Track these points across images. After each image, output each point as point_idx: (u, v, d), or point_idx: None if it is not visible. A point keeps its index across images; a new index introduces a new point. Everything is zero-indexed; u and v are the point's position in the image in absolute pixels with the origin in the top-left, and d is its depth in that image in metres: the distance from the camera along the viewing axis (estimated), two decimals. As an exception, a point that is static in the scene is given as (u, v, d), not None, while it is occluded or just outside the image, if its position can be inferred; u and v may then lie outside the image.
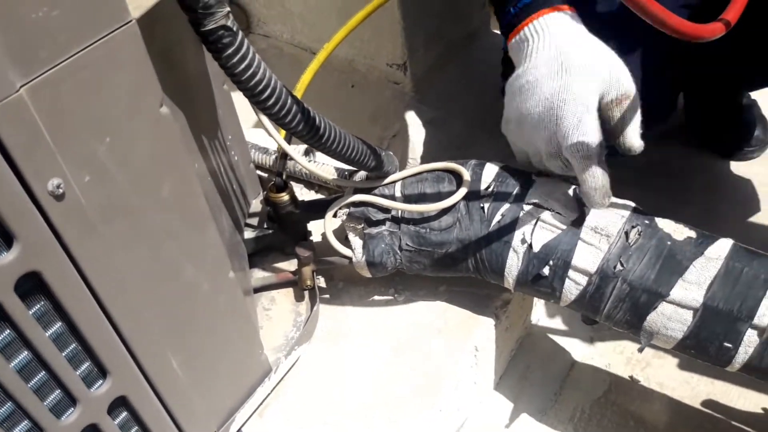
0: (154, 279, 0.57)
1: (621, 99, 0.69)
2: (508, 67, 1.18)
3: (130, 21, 0.48)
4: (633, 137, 0.69)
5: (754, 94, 1.24)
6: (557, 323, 1.00)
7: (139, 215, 0.54)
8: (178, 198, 0.57)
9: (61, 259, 0.48)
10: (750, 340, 0.69)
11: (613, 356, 0.96)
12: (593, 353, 0.97)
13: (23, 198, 0.44)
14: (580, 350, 0.97)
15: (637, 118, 0.70)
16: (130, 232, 0.53)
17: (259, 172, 1.00)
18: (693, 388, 0.91)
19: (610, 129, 0.70)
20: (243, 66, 0.59)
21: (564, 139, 0.67)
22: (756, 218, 1.11)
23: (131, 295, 0.55)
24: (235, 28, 0.58)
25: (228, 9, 0.57)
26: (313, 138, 0.69)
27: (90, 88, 0.46)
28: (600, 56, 0.70)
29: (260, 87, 0.61)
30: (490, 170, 0.80)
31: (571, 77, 0.68)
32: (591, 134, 0.67)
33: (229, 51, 0.58)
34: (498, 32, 1.24)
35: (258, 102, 0.63)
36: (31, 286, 0.48)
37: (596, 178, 0.67)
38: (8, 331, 0.47)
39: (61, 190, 0.46)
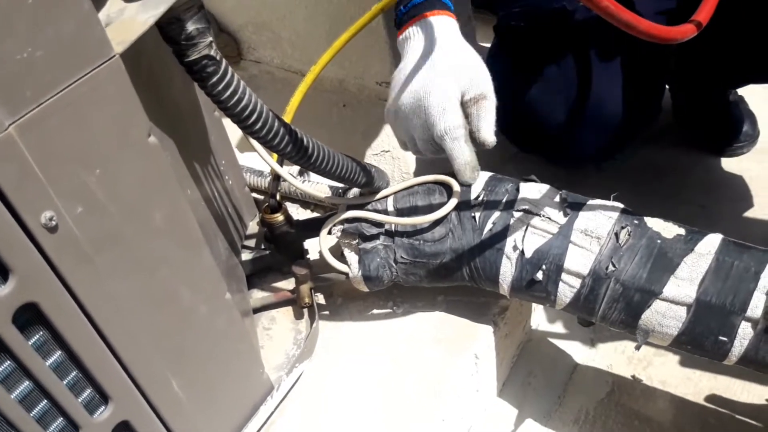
0: (150, 304, 0.58)
1: (478, 98, 0.75)
2: (490, 68, 1.20)
3: (114, 56, 0.49)
4: (487, 132, 0.74)
5: (741, 91, 1.25)
6: (557, 327, 1.01)
7: (133, 243, 0.55)
8: (170, 225, 0.58)
9: (58, 289, 0.50)
10: (745, 333, 0.69)
11: (615, 357, 0.97)
12: (594, 355, 0.97)
13: (17, 231, 0.46)
14: (581, 353, 0.98)
15: (492, 117, 0.75)
16: (125, 260, 0.55)
17: (255, 194, 1.02)
18: (696, 385, 0.91)
19: (469, 123, 0.76)
20: (228, 93, 0.61)
21: (433, 127, 0.74)
22: (749, 213, 1.12)
23: (129, 321, 0.56)
24: (218, 57, 0.60)
25: (211, 39, 0.59)
26: (303, 158, 0.71)
27: (77, 123, 0.48)
28: (465, 59, 0.77)
29: (246, 112, 0.63)
30: (480, 179, 0.82)
31: (436, 74, 0.75)
32: (455, 119, 0.73)
33: (214, 79, 0.60)
34: (486, 45, 1.26)
35: (246, 127, 0.65)
36: (30, 317, 0.49)
37: (464, 154, 0.74)
38: (8, 362, 0.49)
39: (54, 222, 0.48)
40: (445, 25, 0.79)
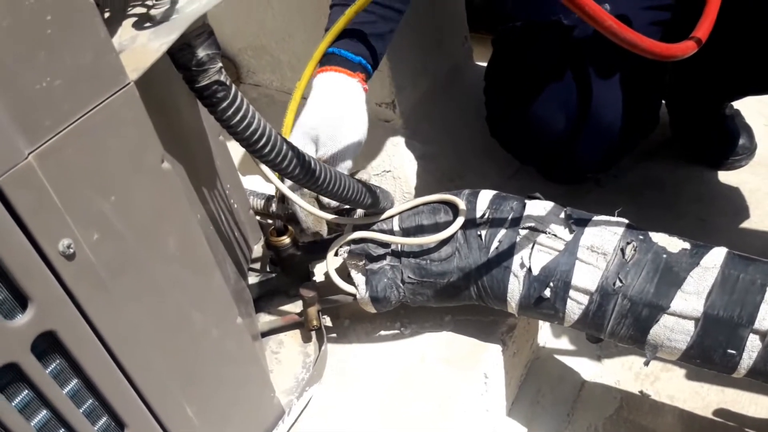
0: (164, 330, 0.58)
1: (327, 160, 0.83)
2: (490, 97, 1.22)
3: (129, 84, 0.50)
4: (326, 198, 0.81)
5: (737, 104, 1.27)
6: (564, 344, 1.01)
7: (148, 269, 0.55)
8: (183, 249, 0.58)
9: (75, 317, 0.50)
10: (753, 345, 0.70)
11: (622, 372, 0.97)
12: (602, 371, 0.98)
13: (36, 260, 0.46)
14: (588, 369, 0.98)
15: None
16: (140, 285, 0.55)
17: (258, 218, 1.02)
18: (703, 399, 0.91)
19: None
20: (238, 117, 0.61)
21: None
22: (748, 225, 1.13)
23: (144, 347, 0.56)
24: (228, 82, 0.60)
25: (221, 64, 0.60)
26: (310, 180, 0.71)
27: (94, 150, 0.48)
28: (330, 119, 0.83)
29: (256, 136, 0.63)
30: (484, 198, 0.82)
31: (296, 132, 0.84)
32: None
33: (224, 104, 0.60)
34: (482, 64, 1.28)
35: (255, 151, 0.65)
36: (47, 345, 0.49)
37: (301, 212, 0.85)
38: (27, 391, 0.48)
39: (71, 250, 0.48)
40: (332, 83, 0.85)
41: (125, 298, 0.53)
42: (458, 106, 1.32)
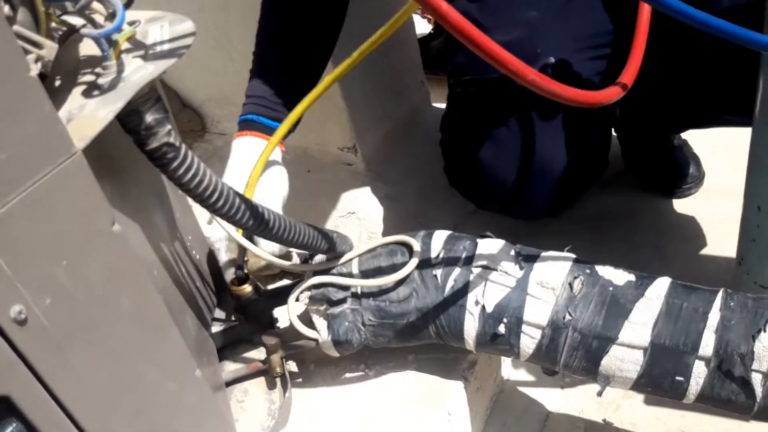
0: (120, 388, 0.59)
1: None
2: (446, 148, 1.25)
3: (76, 153, 0.52)
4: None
5: (684, 135, 1.31)
6: (527, 376, 1.03)
7: (102, 330, 0.56)
8: (137, 308, 0.60)
9: (29, 381, 0.51)
10: (699, 372, 0.72)
11: (585, 401, 0.99)
12: (566, 401, 0.99)
13: (-13, 328, 0.47)
14: (553, 400, 1.00)
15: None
16: (94, 346, 0.56)
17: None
18: (665, 424, 0.94)
19: None
20: (189, 176, 0.64)
21: None
22: (702, 250, 1.17)
23: (100, 406, 0.57)
24: (177, 143, 0.63)
25: (170, 127, 0.62)
26: (264, 230, 0.73)
27: (43, 218, 0.50)
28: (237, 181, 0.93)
29: (208, 192, 0.66)
30: (439, 238, 0.85)
31: None
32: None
33: (174, 164, 0.63)
34: (439, 105, 1.32)
35: (209, 205, 0.67)
36: (2, 409, 0.50)
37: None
38: (-18, 457, 0.49)
39: (23, 316, 0.49)
40: (244, 147, 0.97)
41: (80, 359, 0.54)
42: (419, 146, 1.36)
